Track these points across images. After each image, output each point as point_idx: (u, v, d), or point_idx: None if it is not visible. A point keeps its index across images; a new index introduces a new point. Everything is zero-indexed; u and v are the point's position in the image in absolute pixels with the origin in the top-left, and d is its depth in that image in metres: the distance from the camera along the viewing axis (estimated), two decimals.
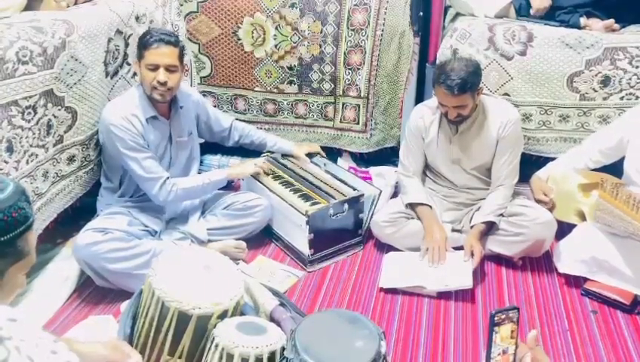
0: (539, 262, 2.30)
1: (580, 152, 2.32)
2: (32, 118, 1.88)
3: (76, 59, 2.04)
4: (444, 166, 2.38)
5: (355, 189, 2.39)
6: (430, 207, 2.33)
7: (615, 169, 2.21)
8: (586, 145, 2.32)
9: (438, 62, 2.46)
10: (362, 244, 2.43)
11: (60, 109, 2.02)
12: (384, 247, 2.39)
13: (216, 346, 1.42)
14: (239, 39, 2.87)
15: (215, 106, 2.86)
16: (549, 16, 2.63)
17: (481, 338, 1.90)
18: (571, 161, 2.31)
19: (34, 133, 1.90)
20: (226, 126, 2.53)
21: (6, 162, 1.79)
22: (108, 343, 1.31)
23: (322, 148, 2.78)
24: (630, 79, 2.40)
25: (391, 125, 2.94)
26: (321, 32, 2.79)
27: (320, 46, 2.82)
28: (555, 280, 2.20)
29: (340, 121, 2.96)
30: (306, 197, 2.35)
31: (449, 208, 2.40)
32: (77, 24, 2.04)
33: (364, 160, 2.99)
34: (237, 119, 2.65)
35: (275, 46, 2.85)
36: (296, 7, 2.77)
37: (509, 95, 2.54)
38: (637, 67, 2.37)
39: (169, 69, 2.06)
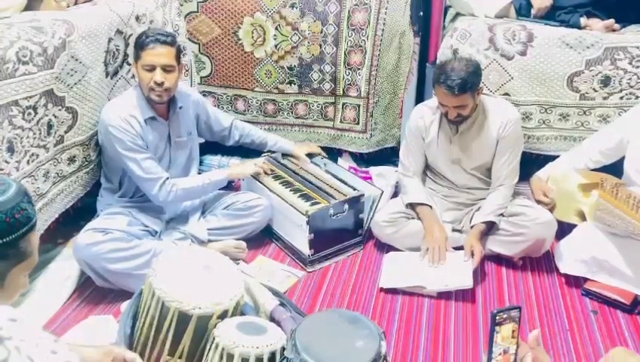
0: (539, 262, 2.30)
1: (579, 152, 2.32)
2: (33, 118, 1.88)
3: (76, 59, 2.04)
4: (445, 166, 2.38)
5: (355, 189, 2.39)
6: (430, 206, 2.33)
7: (615, 169, 2.21)
8: (586, 145, 2.32)
9: (438, 62, 2.46)
10: (362, 244, 2.43)
11: (60, 109, 2.02)
12: (384, 247, 2.39)
13: (217, 346, 1.42)
14: (239, 39, 2.87)
15: (215, 107, 2.86)
16: (550, 16, 2.64)
17: (481, 338, 1.90)
18: (571, 161, 2.31)
19: (34, 134, 1.90)
20: (226, 125, 2.53)
21: (7, 162, 1.79)
22: (100, 348, 1.30)
23: (322, 148, 2.78)
24: (630, 79, 2.40)
25: (391, 125, 2.94)
26: (322, 32, 2.79)
27: (320, 46, 2.82)
28: (555, 280, 2.20)
29: (340, 121, 2.96)
30: (306, 197, 2.35)
31: (449, 208, 2.40)
32: (77, 24, 2.04)
33: (365, 160, 2.99)
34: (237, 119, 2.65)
35: (275, 46, 2.85)
36: (297, 7, 2.77)
37: (509, 95, 2.54)
38: (637, 67, 2.37)
39: (166, 69, 2.05)
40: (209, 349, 1.45)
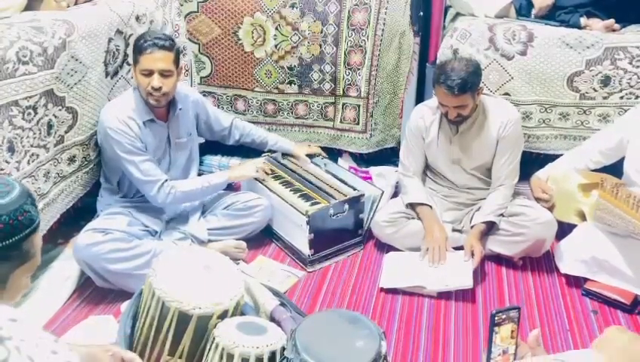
0: (539, 262, 2.30)
1: (580, 153, 2.32)
2: (33, 118, 1.88)
3: (76, 60, 2.04)
4: (445, 166, 2.37)
5: (355, 189, 2.39)
6: (430, 206, 2.33)
7: (615, 169, 2.21)
8: (586, 145, 2.32)
9: (438, 62, 2.46)
10: (362, 244, 2.43)
11: (60, 109, 2.02)
12: (384, 247, 2.39)
13: (217, 346, 1.42)
14: (239, 39, 2.87)
15: (215, 107, 2.85)
16: (550, 16, 2.63)
17: (481, 338, 1.90)
18: (571, 162, 2.31)
19: (34, 134, 1.90)
20: (226, 125, 2.53)
21: (7, 162, 1.79)
22: (100, 347, 1.30)
23: (322, 148, 2.78)
24: (630, 79, 2.39)
25: (391, 125, 2.94)
26: (322, 32, 2.79)
27: (320, 46, 2.82)
28: (555, 280, 2.20)
29: (340, 122, 2.96)
30: (306, 197, 2.35)
31: (449, 208, 2.40)
32: (77, 24, 2.04)
33: (365, 160, 2.99)
34: None
35: (275, 46, 2.85)
36: (297, 7, 2.77)
37: (509, 95, 2.54)
38: (637, 67, 2.37)
39: (163, 74, 2.04)
40: (209, 349, 1.45)
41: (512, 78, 2.52)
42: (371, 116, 2.90)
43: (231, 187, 2.60)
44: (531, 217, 2.19)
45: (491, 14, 2.69)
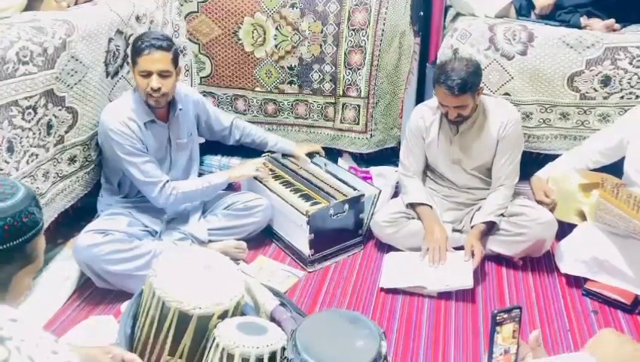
0: (539, 262, 2.30)
1: (580, 153, 2.32)
2: (33, 118, 1.88)
3: (77, 60, 2.03)
4: (445, 166, 2.37)
5: (355, 189, 2.39)
6: (431, 206, 2.33)
7: (615, 169, 2.21)
8: (586, 145, 2.33)
9: (438, 62, 2.46)
10: (362, 244, 2.43)
11: (60, 109, 2.02)
12: (384, 247, 2.39)
13: (217, 346, 1.42)
14: (239, 39, 2.87)
15: (215, 107, 2.85)
16: (550, 16, 2.63)
17: (481, 338, 1.90)
18: (571, 162, 2.32)
19: (34, 133, 1.90)
20: (226, 125, 2.53)
21: (7, 162, 1.79)
22: (100, 349, 1.30)
23: (322, 148, 2.78)
24: (631, 79, 2.39)
25: (391, 125, 2.94)
26: (322, 32, 2.79)
27: (320, 46, 2.82)
28: (555, 280, 2.20)
29: (341, 122, 2.96)
30: (306, 197, 2.35)
31: (449, 208, 2.40)
32: (77, 24, 2.03)
33: (365, 160, 2.99)
34: None
35: (276, 46, 2.85)
36: (297, 7, 2.77)
37: (509, 95, 2.54)
38: (637, 67, 2.37)
39: (162, 75, 2.03)
40: (209, 349, 1.45)
41: (513, 78, 2.52)
42: (371, 116, 2.90)
43: (231, 187, 2.60)
44: (532, 217, 2.19)
45: (491, 14, 2.69)
